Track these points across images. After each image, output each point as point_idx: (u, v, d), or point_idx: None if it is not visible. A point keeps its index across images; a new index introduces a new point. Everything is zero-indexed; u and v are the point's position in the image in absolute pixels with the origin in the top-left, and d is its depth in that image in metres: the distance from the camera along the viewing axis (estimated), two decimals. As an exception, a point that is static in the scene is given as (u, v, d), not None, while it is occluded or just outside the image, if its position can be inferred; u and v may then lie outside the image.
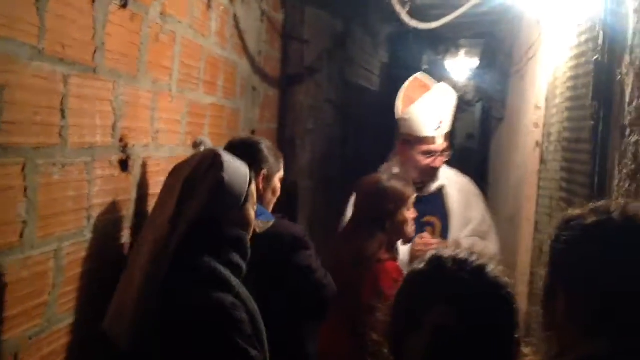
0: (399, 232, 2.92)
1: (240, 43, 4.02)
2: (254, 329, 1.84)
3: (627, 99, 2.10)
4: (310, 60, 5.41)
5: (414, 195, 2.96)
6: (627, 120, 2.08)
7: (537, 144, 3.37)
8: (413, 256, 3.22)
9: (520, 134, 4.01)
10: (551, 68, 3.05)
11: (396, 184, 2.92)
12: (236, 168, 2.00)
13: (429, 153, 3.34)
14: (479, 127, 16.79)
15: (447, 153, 3.38)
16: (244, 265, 1.94)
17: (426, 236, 3.27)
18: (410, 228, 2.97)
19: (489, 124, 12.63)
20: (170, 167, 3.02)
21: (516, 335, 1.34)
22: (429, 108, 3.32)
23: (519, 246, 3.65)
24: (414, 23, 3.49)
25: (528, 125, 3.70)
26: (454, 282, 1.35)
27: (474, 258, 1.41)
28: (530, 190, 3.46)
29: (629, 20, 2.16)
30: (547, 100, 3.06)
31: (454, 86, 13.52)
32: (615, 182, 2.16)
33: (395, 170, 3.33)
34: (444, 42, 14.40)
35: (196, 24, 3.22)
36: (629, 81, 2.11)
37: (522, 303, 3.28)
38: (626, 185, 2.05)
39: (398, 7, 3.36)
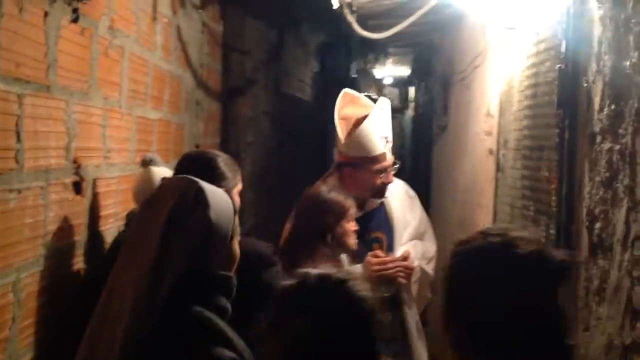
0: (340, 244, 2.87)
1: (183, 56, 3.91)
2: None
3: (597, 107, 2.11)
4: (250, 71, 5.33)
5: (354, 207, 2.91)
6: (598, 127, 2.09)
7: (491, 151, 3.39)
8: (369, 275, 3.16)
9: (469, 142, 4.03)
10: (504, 76, 3.06)
11: (335, 196, 2.88)
12: (220, 201, 1.80)
13: (382, 171, 3.26)
14: (410, 135, 17.05)
15: (396, 166, 3.32)
16: (230, 308, 1.80)
17: (380, 254, 3.22)
18: (352, 239, 2.93)
19: (422, 131, 12.82)
20: (122, 187, 2.90)
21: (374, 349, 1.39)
22: (375, 125, 3.23)
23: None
24: (365, 33, 3.45)
25: (478, 133, 3.72)
26: (311, 295, 1.39)
27: (339, 275, 1.45)
28: (484, 198, 3.47)
29: (594, 28, 2.17)
30: (501, 108, 3.07)
31: (382, 94, 13.68)
32: (587, 189, 2.16)
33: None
34: (373, 50, 14.55)
35: (142, 38, 3.10)
36: (597, 89, 2.11)
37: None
38: (600, 193, 2.05)
39: (349, 17, 3.31)
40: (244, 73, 5.17)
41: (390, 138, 3.25)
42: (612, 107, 1.99)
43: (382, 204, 3.35)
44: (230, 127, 4.95)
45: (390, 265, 3.14)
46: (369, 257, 3.18)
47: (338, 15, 7.77)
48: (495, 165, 3.18)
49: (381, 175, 3.22)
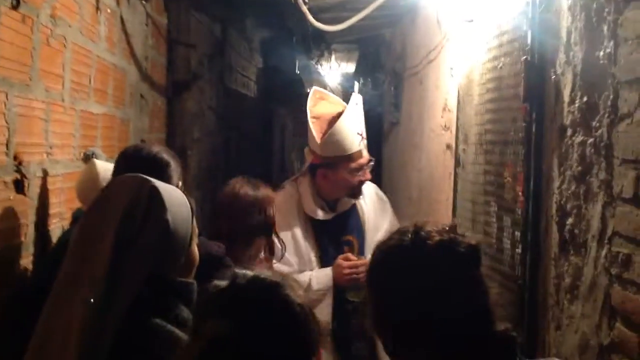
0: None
1: (127, 48, 3.73)
2: None
3: (567, 99, 2.05)
4: (195, 65, 5.17)
5: (271, 192, 2.81)
6: (568, 120, 2.03)
7: (448, 146, 3.32)
8: (339, 279, 3.07)
9: (424, 137, 3.97)
10: (463, 70, 2.99)
11: (254, 192, 2.76)
12: (177, 201, 1.63)
13: (359, 169, 3.16)
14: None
15: (372, 163, 3.22)
16: (191, 317, 1.65)
17: (351, 257, 3.12)
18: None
19: (368, 128, 12.76)
20: (67, 185, 2.73)
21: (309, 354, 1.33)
22: (350, 123, 3.13)
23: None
24: (320, 25, 3.35)
25: (434, 128, 3.66)
26: (238, 296, 1.30)
27: (272, 278, 1.36)
28: (442, 194, 3.41)
29: (562, 18, 2.11)
30: (460, 102, 3.01)
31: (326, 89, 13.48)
32: (556, 184, 2.10)
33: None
34: (317, 47, 14.45)
35: (86, 28, 2.93)
36: (567, 80, 2.06)
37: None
38: (572, 188, 1.99)
39: (304, 8, 3.20)
40: (190, 67, 5.01)
41: (365, 134, 3.15)
42: (585, 99, 1.93)
43: (354, 205, 3.25)
44: (176, 122, 4.79)
45: (362, 269, 3.05)
46: (340, 260, 3.08)
47: (282, 10, 7.62)
48: (454, 160, 3.12)
49: (358, 174, 3.12)
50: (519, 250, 2.37)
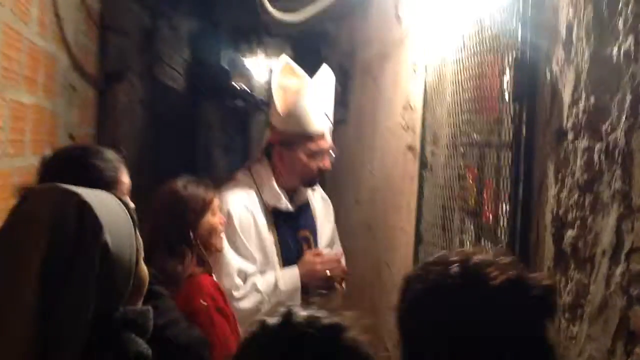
0: (206, 244, 2.55)
1: (59, 33, 3.40)
2: None
3: (567, 100, 1.88)
4: (128, 55, 4.83)
5: (217, 199, 2.59)
6: (569, 123, 1.86)
7: (410, 147, 3.14)
8: (311, 277, 2.85)
9: (378, 137, 3.78)
10: (431, 67, 2.81)
11: (194, 189, 2.53)
12: (113, 214, 1.34)
13: (319, 152, 2.92)
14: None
15: (334, 151, 3.00)
16: (149, 350, 1.36)
17: (322, 252, 2.92)
18: (219, 240, 2.60)
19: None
20: (-6, 186, 2.41)
21: None
22: (317, 99, 2.90)
23: (390, 256, 3.42)
24: (278, 14, 3.11)
25: (392, 127, 3.47)
26: (296, 343, 1.09)
27: (333, 319, 1.14)
28: (402, 198, 3.22)
29: (560, 12, 1.94)
30: (427, 101, 2.82)
31: (253, 87, 13.24)
32: (552, 192, 1.93)
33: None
34: (246, 39, 14.13)
35: (17, 8, 2.60)
36: (567, 80, 1.89)
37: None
38: (574, 197, 1.82)
39: (261, -4, 2.96)
40: (123, 57, 4.68)
41: (331, 117, 2.92)
42: (592, 100, 1.76)
43: (308, 201, 3.05)
44: (108, 116, 4.46)
45: (335, 265, 2.86)
46: (310, 257, 2.87)
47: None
48: (418, 162, 2.93)
49: (318, 159, 2.89)
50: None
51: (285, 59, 3.09)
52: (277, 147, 2.96)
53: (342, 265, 2.99)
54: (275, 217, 2.98)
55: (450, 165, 2.57)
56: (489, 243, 2.31)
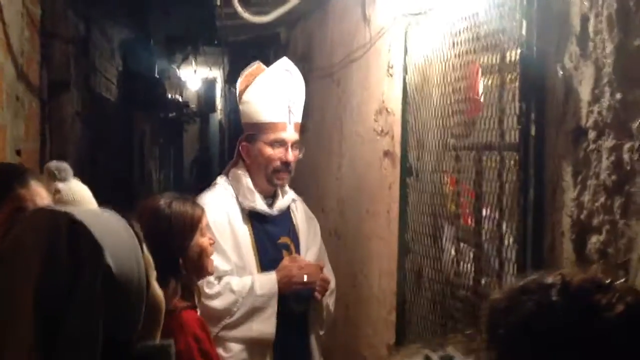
0: (196, 268, 2.34)
1: (4, 40, 3.14)
2: None
3: (587, 97, 1.77)
4: (73, 64, 4.55)
5: (206, 217, 2.41)
6: (590, 121, 1.75)
7: (387, 153, 3.01)
8: (287, 283, 2.71)
9: (345, 143, 3.64)
10: (413, 68, 2.69)
11: (180, 207, 2.31)
12: (114, 230, 1.17)
13: (279, 143, 2.81)
14: (220, 140, 16.38)
15: (301, 147, 2.90)
16: None
17: (300, 258, 2.79)
18: (210, 262, 2.41)
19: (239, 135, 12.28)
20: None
21: None
22: (274, 85, 2.82)
23: (366, 266, 3.28)
24: (246, 16, 2.96)
25: (363, 133, 3.34)
26: None
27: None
28: (379, 205, 3.09)
29: (573, 4, 1.84)
30: (409, 104, 2.70)
31: (187, 98, 13.07)
32: (570, 195, 1.83)
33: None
34: (180, 50, 13.86)
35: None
36: (585, 76, 1.78)
37: (388, 334, 2.88)
38: (600, 200, 1.71)
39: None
40: (68, 65, 4.40)
41: (298, 112, 2.82)
42: (618, 96, 1.66)
43: (289, 209, 2.92)
44: (53, 128, 4.18)
45: (313, 271, 2.73)
46: (287, 262, 2.74)
47: (142, 8, 7.06)
48: (399, 168, 2.80)
49: (279, 150, 2.79)
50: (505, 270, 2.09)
51: (258, 63, 3.01)
52: (244, 144, 2.90)
53: (324, 275, 2.86)
54: (252, 219, 2.88)
55: (441, 169, 2.45)
56: (492, 252, 2.20)
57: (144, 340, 1.18)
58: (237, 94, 2.93)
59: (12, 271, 1.10)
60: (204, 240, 2.35)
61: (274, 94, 2.84)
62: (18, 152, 3.43)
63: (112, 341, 1.11)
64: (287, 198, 2.95)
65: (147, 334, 1.19)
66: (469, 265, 2.31)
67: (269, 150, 2.83)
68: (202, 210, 2.38)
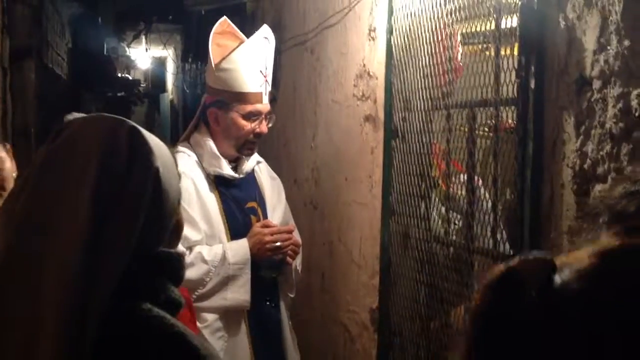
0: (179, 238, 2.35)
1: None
2: None
3: (592, 47, 1.78)
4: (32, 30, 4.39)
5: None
6: (595, 70, 1.76)
7: (368, 118, 2.99)
8: (259, 249, 2.67)
9: (321, 111, 3.60)
10: (398, 30, 2.66)
11: None
12: (162, 147, 1.25)
13: (254, 115, 2.77)
14: (175, 120, 16.14)
15: (272, 117, 2.85)
16: (181, 300, 1.22)
17: (271, 223, 2.76)
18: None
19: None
20: None
21: None
22: (253, 56, 2.76)
23: (345, 234, 3.26)
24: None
25: (341, 99, 3.30)
26: None
27: None
28: (359, 172, 3.07)
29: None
30: (394, 66, 2.67)
31: (136, 77, 12.87)
32: (572, 146, 1.83)
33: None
34: (131, 26, 13.56)
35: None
36: (589, 25, 1.78)
37: (370, 298, 2.87)
38: (606, 148, 1.72)
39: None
40: (31, 30, 4.24)
41: (270, 81, 2.78)
42: (626, 43, 1.66)
43: (253, 171, 2.88)
44: (16, 97, 4.03)
45: (285, 236, 2.69)
46: (259, 228, 2.70)
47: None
48: (383, 132, 2.78)
49: (253, 122, 2.74)
50: (500, 224, 2.10)
51: (224, 19, 2.94)
52: (212, 110, 2.82)
53: (295, 238, 2.84)
54: (218, 185, 2.83)
55: (430, 129, 2.44)
56: (487, 208, 2.20)
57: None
58: (212, 58, 2.84)
59: (68, 169, 1.15)
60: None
61: (254, 63, 2.79)
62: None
63: (144, 247, 1.16)
64: (252, 160, 2.90)
65: (169, 246, 1.26)
66: (460, 222, 2.31)
67: (243, 122, 2.78)
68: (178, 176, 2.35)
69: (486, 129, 2.17)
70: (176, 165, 1.28)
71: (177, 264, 1.23)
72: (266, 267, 2.79)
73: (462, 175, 2.35)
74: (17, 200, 1.15)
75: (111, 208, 1.12)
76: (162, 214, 1.20)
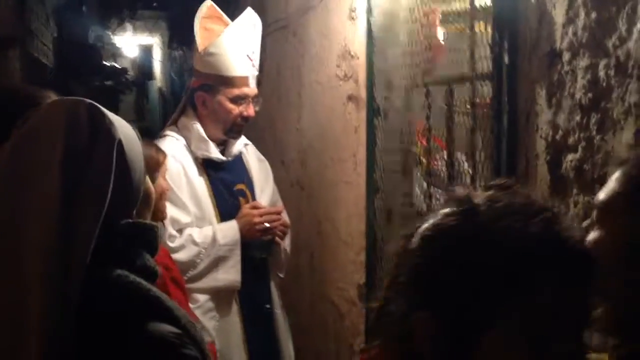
0: (156, 209, 2.38)
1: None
2: None
3: (561, 20, 1.82)
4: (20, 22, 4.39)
5: (167, 161, 2.45)
6: (564, 43, 1.81)
7: (351, 97, 3.03)
8: (249, 229, 2.73)
9: (304, 93, 3.65)
10: (378, 10, 2.70)
11: (145, 149, 2.35)
12: (122, 121, 1.31)
13: (242, 98, 2.82)
14: (164, 106, 16.15)
15: (259, 100, 2.90)
16: (157, 269, 1.29)
17: (260, 204, 2.81)
18: (164, 203, 2.44)
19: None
20: None
21: None
22: (239, 39, 2.81)
23: (333, 213, 3.31)
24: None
25: (323, 80, 3.35)
26: None
27: None
28: (344, 151, 3.12)
29: None
30: (373, 46, 2.72)
31: (123, 66, 12.79)
32: (544, 118, 1.89)
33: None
34: (115, 14, 13.52)
35: None
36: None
37: (357, 275, 2.93)
38: (576, 119, 1.77)
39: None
40: (17, 17, 4.25)
41: (257, 64, 2.82)
42: (593, 15, 1.72)
43: (241, 154, 2.93)
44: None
45: (274, 217, 2.74)
46: (247, 209, 2.75)
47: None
48: (365, 112, 2.83)
49: (240, 105, 2.79)
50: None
51: (209, 3, 2.97)
52: (199, 93, 2.87)
53: (283, 219, 2.89)
54: (207, 168, 2.88)
55: (412, 107, 2.49)
56: (466, 181, 2.26)
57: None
58: (198, 42, 2.88)
59: (38, 145, 1.21)
60: (164, 183, 2.37)
61: (240, 47, 2.83)
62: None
63: (114, 216, 1.22)
64: (239, 143, 2.95)
65: (140, 217, 1.34)
66: (440, 196, 2.36)
67: (230, 105, 2.82)
68: (165, 155, 2.39)
69: (467, 106, 2.22)
70: (139, 139, 1.34)
71: (151, 233, 1.28)
72: (256, 247, 2.84)
73: (443, 152, 2.41)
74: None
75: (79, 182, 1.18)
76: (128, 184, 1.25)
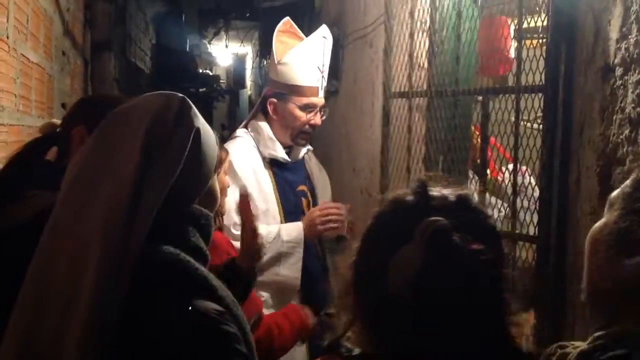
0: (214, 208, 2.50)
1: (53, -6, 3.28)
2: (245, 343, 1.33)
3: (615, 36, 1.86)
4: (111, 27, 4.68)
5: (229, 159, 2.56)
6: (618, 58, 1.84)
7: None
8: (312, 227, 2.83)
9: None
10: (440, 17, 2.78)
11: None
12: (205, 126, 1.43)
13: (310, 107, 2.96)
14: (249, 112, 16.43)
15: (326, 110, 3.03)
16: (209, 255, 1.40)
17: (331, 204, 2.93)
18: (224, 198, 2.56)
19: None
20: (12, 139, 2.30)
21: None
22: (312, 52, 2.96)
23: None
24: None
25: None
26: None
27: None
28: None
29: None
30: (434, 54, 2.79)
31: (217, 74, 13.10)
32: (597, 131, 1.92)
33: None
34: (212, 24, 13.99)
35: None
36: (614, 15, 1.86)
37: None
38: (625, 132, 1.80)
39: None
40: (111, 25, 4.54)
41: (326, 77, 2.96)
42: (645, 32, 1.75)
43: (303, 159, 3.07)
44: (95, 87, 4.33)
45: (333, 210, 2.86)
46: (312, 209, 2.89)
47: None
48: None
49: (308, 114, 2.93)
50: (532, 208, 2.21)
51: (287, 19, 3.14)
52: (271, 100, 3.01)
53: (342, 213, 2.96)
54: (272, 167, 3.02)
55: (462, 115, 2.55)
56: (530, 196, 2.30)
57: None
58: (274, 54, 3.03)
59: (124, 127, 1.34)
60: (225, 178, 2.50)
61: (312, 59, 2.98)
62: (63, 106, 3.57)
63: (176, 197, 1.32)
64: (303, 150, 3.08)
65: (204, 207, 1.42)
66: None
67: (299, 113, 2.96)
68: (227, 152, 2.52)
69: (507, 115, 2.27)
70: (217, 142, 1.46)
71: (207, 221, 1.39)
72: (330, 240, 2.96)
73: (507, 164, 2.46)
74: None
75: (157, 155, 1.29)
76: (198, 171, 1.36)
